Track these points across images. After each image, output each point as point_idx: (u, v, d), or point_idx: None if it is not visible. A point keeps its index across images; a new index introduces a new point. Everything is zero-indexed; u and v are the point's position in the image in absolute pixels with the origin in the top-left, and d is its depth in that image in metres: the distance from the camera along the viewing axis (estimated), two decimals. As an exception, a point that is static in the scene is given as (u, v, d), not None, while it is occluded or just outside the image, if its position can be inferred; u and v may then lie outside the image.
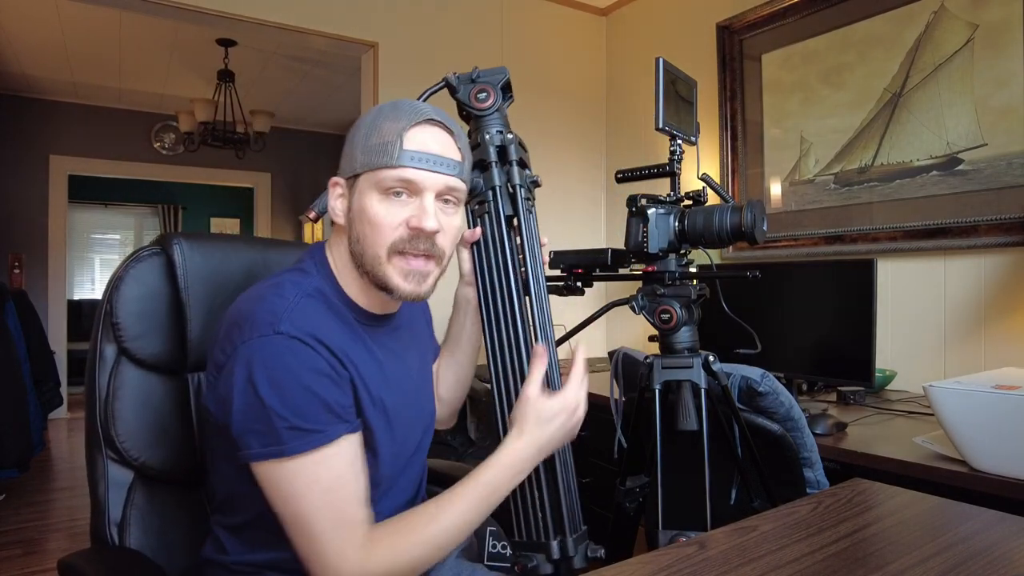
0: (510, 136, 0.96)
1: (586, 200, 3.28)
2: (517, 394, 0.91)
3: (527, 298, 0.96)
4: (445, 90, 1.01)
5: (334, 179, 0.88)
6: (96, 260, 7.88)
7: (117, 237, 7.95)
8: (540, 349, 0.90)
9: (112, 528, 0.95)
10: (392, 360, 0.93)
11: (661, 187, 1.22)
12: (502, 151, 0.96)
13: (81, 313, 7.13)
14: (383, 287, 0.85)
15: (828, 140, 2.31)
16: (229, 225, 7.89)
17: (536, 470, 0.89)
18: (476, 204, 0.97)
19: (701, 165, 2.52)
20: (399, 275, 0.84)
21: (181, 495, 1.01)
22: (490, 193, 0.96)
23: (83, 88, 5.14)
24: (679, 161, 1.21)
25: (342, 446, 0.79)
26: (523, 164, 0.98)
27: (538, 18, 3.16)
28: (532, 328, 0.95)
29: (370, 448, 0.86)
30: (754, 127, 2.58)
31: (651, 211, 1.16)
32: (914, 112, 2.06)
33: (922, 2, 2.03)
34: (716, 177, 2.66)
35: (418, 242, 0.83)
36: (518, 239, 0.97)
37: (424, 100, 0.93)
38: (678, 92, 1.22)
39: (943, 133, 1.99)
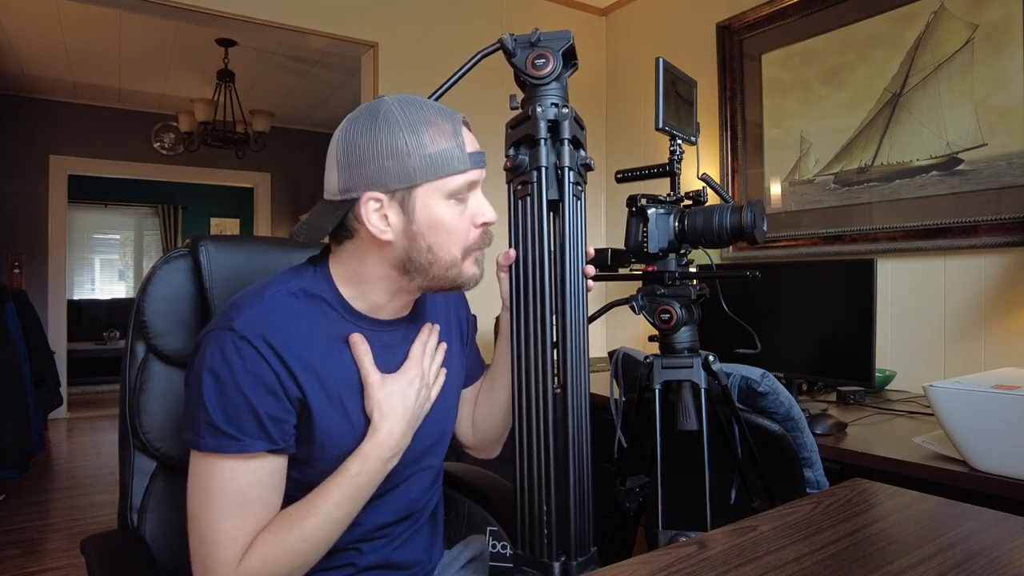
0: (566, 110, 0.85)
1: (586, 200, 3.27)
2: (538, 389, 0.84)
3: (561, 291, 0.86)
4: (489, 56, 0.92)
5: (370, 194, 0.81)
6: (96, 260, 7.89)
7: (117, 237, 7.95)
8: (353, 337, 0.86)
9: (133, 513, 1.01)
10: (389, 368, 0.89)
11: (661, 187, 1.21)
12: (554, 126, 0.85)
13: (81, 313, 7.15)
14: (457, 286, 0.88)
15: (828, 140, 2.31)
16: (229, 225, 7.90)
17: (547, 482, 0.82)
18: (519, 184, 0.87)
19: (701, 165, 2.53)
20: (472, 265, 0.88)
21: None
22: (535, 173, 0.85)
23: (83, 88, 5.15)
24: (679, 161, 1.21)
25: (263, 460, 0.79)
26: (577, 143, 0.88)
27: (538, 18, 3.16)
28: (561, 324, 0.86)
29: (326, 452, 0.84)
30: (754, 127, 2.58)
31: (651, 211, 1.16)
32: (914, 112, 2.06)
33: (922, 2, 2.03)
34: (716, 177, 2.66)
35: (486, 237, 0.88)
36: (561, 227, 0.88)
37: (477, 62, 0.90)
38: (678, 92, 1.22)
39: (943, 133, 1.99)
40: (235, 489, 0.77)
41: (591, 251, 0.97)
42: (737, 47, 2.62)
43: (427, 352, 0.92)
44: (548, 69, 0.86)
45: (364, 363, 0.85)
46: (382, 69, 2.79)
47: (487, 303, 1.05)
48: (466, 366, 1.09)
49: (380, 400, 0.85)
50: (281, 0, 2.58)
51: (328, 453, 0.84)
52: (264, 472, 0.79)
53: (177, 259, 1.04)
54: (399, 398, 0.86)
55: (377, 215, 0.82)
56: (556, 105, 0.85)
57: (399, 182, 0.81)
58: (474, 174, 0.85)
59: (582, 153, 0.88)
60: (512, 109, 0.89)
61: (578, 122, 0.88)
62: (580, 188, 0.88)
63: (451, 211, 0.83)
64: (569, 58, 0.88)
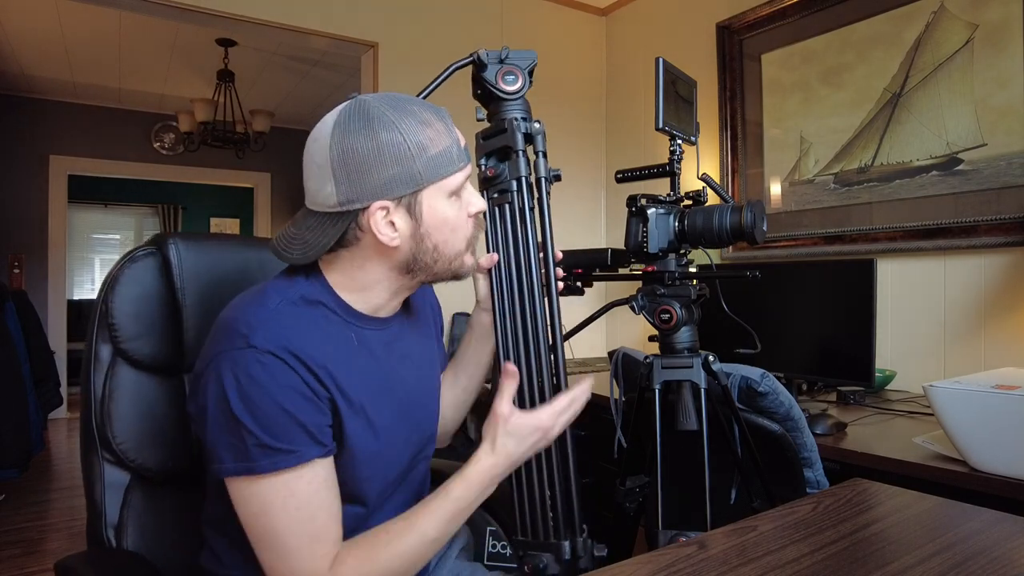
0: (537, 125, 0.91)
1: (586, 200, 3.27)
2: (525, 394, 0.89)
3: (547, 290, 0.93)
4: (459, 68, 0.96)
5: (378, 203, 0.79)
6: (96, 260, 7.88)
7: (117, 237, 7.95)
8: (510, 367, 0.87)
9: (109, 531, 0.94)
10: (392, 365, 0.90)
11: (661, 187, 1.21)
12: (527, 139, 0.91)
13: (81, 313, 7.12)
14: (458, 276, 0.89)
15: (828, 140, 2.31)
16: (229, 225, 7.89)
17: (549, 466, 0.88)
18: (496, 193, 0.92)
19: (701, 165, 2.53)
20: (471, 256, 0.90)
21: (178, 497, 1.00)
22: (514, 183, 0.91)
23: (83, 88, 5.14)
24: (679, 161, 1.21)
25: (315, 467, 0.78)
26: (544, 155, 0.95)
27: (538, 18, 3.16)
28: (550, 319, 0.92)
29: (353, 459, 0.84)
30: (754, 127, 2.58)
31: (651, 211, 1.16)
32: (914, 112, 2.06)
33: (922, 2, 2.03)
34: (716, 177, 2.66)
35: (479, 224, 0.90)
36: (542, 233, 0.94)
37: (451, 73, 0.94)
38: (678, 92, 1.22)
39: (943, 133, 1.99)
40: (298, 505, 0.76)
41: (559, 254, 1.04)
42: (737, 47, 2.62)
43: (570, 408, 0.87)
44: (518, 85, 0.92)
45: (504, 395, 0.85)
46: (382, 69, 2.79)
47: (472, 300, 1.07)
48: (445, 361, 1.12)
49: (497, 436, 0.84)
50: (281, 0, 2.58)
51: (357, 457, 0.84)
52: (319, 479, 0.78)
53: (144, 257, 0.98)
54: (515, 441, 0.84)
55: (385, 222, 0.80)
56: (526, 119, 0.92)
57: (405, 187, 0.79)
58: (469, 168, 0.86)
59: (547, 164, 0.95)
60: (478, 121, 0.93)
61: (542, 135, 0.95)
62: (548, 197, 0.96)
63: (453, 208, 0.85)
64: (530, 76, 0.95)
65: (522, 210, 0.90)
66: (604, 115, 3.37)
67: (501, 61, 0.91)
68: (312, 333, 0.81)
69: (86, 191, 7.09)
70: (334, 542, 0.78)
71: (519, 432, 0.83)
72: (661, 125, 1.16)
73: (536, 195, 0.94)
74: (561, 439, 0.89)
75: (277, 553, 0.76)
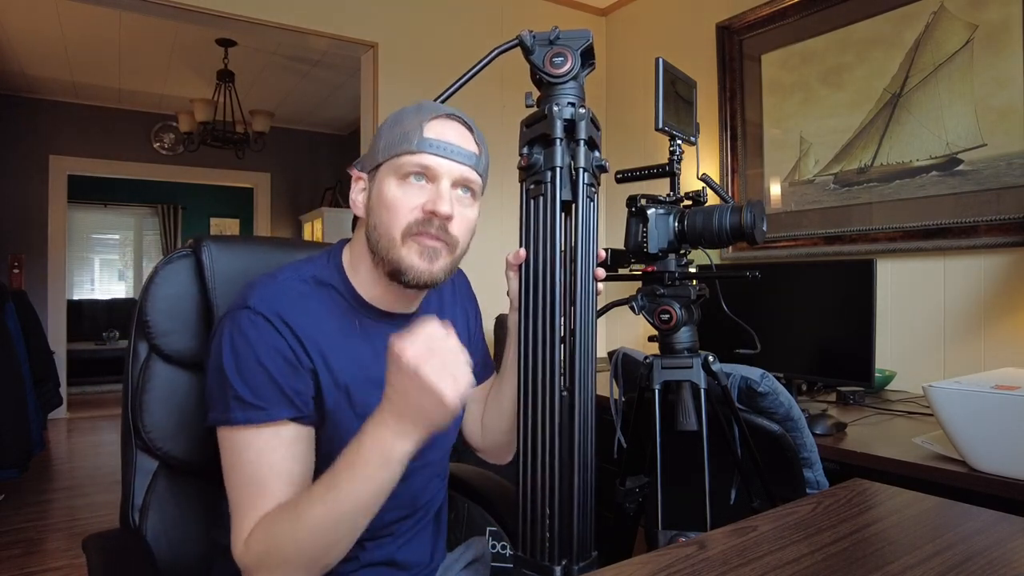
0: (583, 111, 0.84)
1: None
2: (545, 391, 0.82)
3: (571, 292, 0.84)
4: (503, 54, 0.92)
5: (357, 174, 0.90)
6: (96, 260, 7.89)
7: (117, 237, 7.95)
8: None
9: (135, 512, 1.01)
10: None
11: (661, 187, 1.21)
12: (570, 126, 0.83)
13: (81, 313, 7.14)
14: (397, 271, 0.84)
15: (828, 140, 2.31)
16: (229, 225, 7.89)
17: (551, 485, 0.80)
18: (532, 184, 0.85)
19: (701, 165, 2.53)
20: (415, 254, 0.84)
21: (199, 485, 1.05)
22: (549, 173, 0.83)
23: (83, 88, 5.15)
24: (679, 161, 1.21)
25: (283, 429, 0.80)
26: (592, 144, 0.86)
27: (538, 18, 3.16)
28: (570, 326, 0.83)
29: (336, 431, 0.85)
30: (754, 127, 2.58)
31: (651, 211, 1.16)
32: (914, 112, 2.06)
33: (922, 2, 2.03)
34: (716, 177, 2.66)
35: (430, 225, 0.84)
36: (574, 228, 0.85)
37: (494, 58, 0.91)
38: (678, 92, 1.22)
39: (943, 133, 1.99)
40: (251, 460, 0.79)
41: (602, 253, 0.95)
42: (737, 47, 2.62)
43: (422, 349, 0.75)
44: (566, 68, 0.86)
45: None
46: (382, 69, 2.78)
47: (486, 301, 1.04)
48: (472, 363, 1.08)
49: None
50: (281, 0, 2.58)
51: (336, 435, 0.85)
52: (280, 441, 0.80)
53: (180, 259, 1.04)
54: (396, 375, 0.74)
55: (358, 191, 0.90)
56: (573, 104, 0.84)
57: (372, 162, 0.88)
58: (429, 159, 0.84)
59: (596, 154, 0.87)
60: (527, 107, 0.88)
61: (594, 123, 0.87)
62: (594, 189, 0.86)
63: (399, 191, 0.84)
64: (587, 57, 0.88)
65: (554, 202, 0.82)
66: (604, 115, 3.37)
67: (551, 42, 0.86)
68: (310, 309, 0.85)
69: (86, 191, 7.10)
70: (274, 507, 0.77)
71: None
72: (661, 125, 1.16)
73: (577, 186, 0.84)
74: (570, 457, 0.82)
75: (231, 505, 0.80)
